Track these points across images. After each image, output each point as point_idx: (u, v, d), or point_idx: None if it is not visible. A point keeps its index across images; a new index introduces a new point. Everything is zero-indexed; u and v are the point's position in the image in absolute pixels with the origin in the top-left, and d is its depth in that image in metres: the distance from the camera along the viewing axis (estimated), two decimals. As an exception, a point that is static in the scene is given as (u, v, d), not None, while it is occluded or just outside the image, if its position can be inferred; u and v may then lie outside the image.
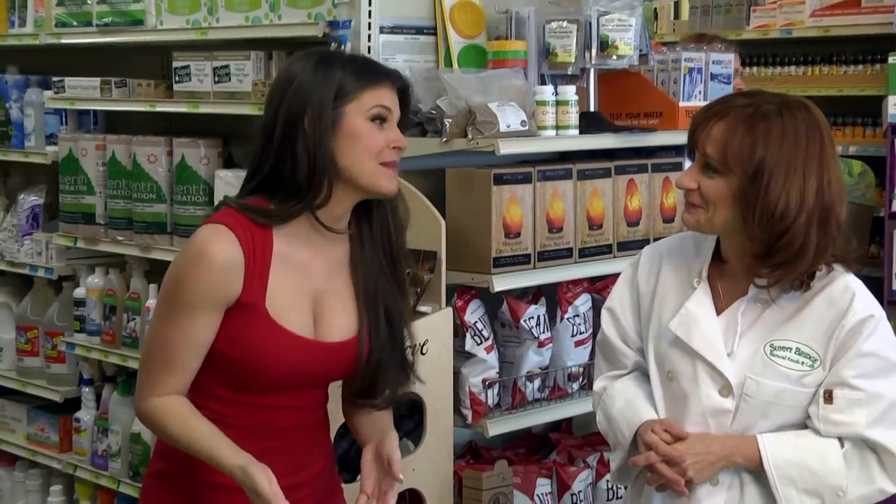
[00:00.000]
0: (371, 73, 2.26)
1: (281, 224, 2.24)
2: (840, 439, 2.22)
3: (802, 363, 2.23)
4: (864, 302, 2.24)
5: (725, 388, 2.25)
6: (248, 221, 2.22)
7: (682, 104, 3.40)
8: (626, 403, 2.39)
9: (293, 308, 2.25)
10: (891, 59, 4.44)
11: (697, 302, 2.30)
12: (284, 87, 2.24)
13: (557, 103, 3.15)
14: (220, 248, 2.19)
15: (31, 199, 4.36)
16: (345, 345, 2.30)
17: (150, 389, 2.25)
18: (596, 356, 2.56)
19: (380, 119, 2.23)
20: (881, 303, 4.26)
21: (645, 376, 2.43)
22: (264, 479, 2.11)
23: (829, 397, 2.21)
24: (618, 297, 2.47)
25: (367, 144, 2.21)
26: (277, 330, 2.23)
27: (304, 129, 2.19)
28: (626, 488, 2.55)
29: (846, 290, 2.24)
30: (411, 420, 3.03)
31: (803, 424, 2.26)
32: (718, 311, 2.30)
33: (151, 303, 3.74)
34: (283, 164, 2.21)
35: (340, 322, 2.31)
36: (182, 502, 2.33)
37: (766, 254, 2.19)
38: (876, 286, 4.48)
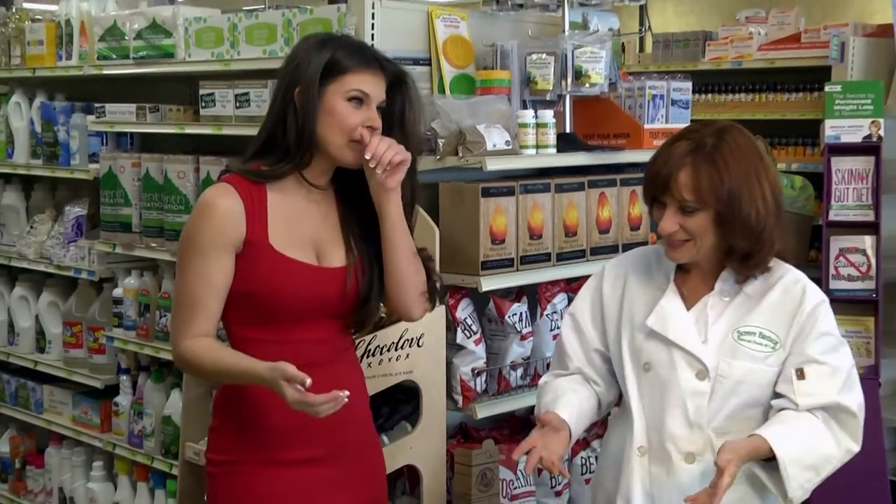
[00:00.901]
0: (356, 59, 2.27)
1: (273, 181, 2.28)
2: (812, 414, 2.20)
3: (765, 345, 2.23)
4: (814, 290, 2.28)
5: (702, 373, 2.24)
6: (245, 180, 2.26)
7: (646, 126, 3.40)
8: (553, 398, 2.36)
9: (294, 244, 2.27)
10: (827, 88, 4.43)
11: (669, 300, 2.30)
12: (288, 65, 2.29)
13: (537, 125, 3.13)
14: (222, 199, 2.23)
15: (75, 211, 4.34)
16: (340, 270, 2.32)
17: (182, 333, 2.25)
18: (553, 353, 2.54)
19: (357, 100, 2.24)
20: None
21: (585, 381, 2.41)
22: (290, 366, 2.08)
23: (801, 374, 2.21)
24: (581, 305, 2.45)
25: (341, 122, 2.24)
26: (283, 259, 2.24)
27: (295, 102, 2.23)
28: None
29: (797, 281, 2.27)
30: (409, 405, 3.00)
31: (765, 400, 2.25)
32: (687, 308, 2.29)
33: (181, 301, 3.71)
34: (277, 130, 2.26)
35: (336, 253, 2.33)
36: (240, 446, 2.30)
37: (745, 257, 2.22)
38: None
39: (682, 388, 2.25)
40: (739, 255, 2.21)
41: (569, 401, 2.34)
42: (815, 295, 2.27)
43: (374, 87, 2.26)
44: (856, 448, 2.24)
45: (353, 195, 2.37)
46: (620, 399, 2.43)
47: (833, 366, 2.22)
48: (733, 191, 2.17)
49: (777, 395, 2.25)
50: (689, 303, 2.29)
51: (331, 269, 2.31)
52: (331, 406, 2.07)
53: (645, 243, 3.30)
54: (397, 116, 2.32)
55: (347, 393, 2.08)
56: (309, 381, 2.04)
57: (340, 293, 2.31)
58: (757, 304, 2.26)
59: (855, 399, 2.24)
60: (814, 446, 2.19)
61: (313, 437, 2.27)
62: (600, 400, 2.42)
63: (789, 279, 2.28)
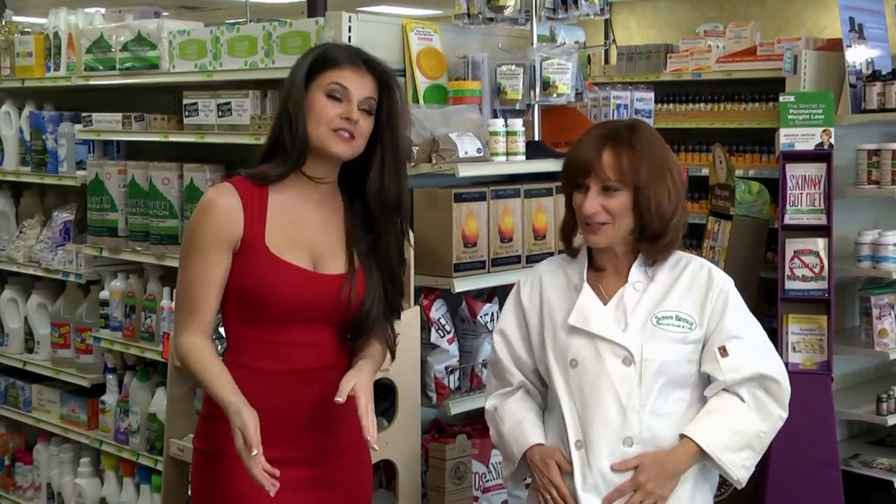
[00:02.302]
0: (338, 54, 2.25)
1: (275, 183, 2.25)
2: (740, 397, 2.24)
3: (682, 326, 2.27)
4: (720, 273, 2.33)
5: (627, 359, 2.25)
6: (248, 182, 2.24)
7: (611, 135, 3.38)
8: (514, 425, 2.37)
9: (291, 247, 2.23)
10: (781, 99, 4.44)
11: (586, 298, 2.31)
12: (287, 77, 2.29)
13: (507, 133, 3.12)
14: (220, 197, 2.22)
15: (63, 216, 4.30)
16: (337, 277, 2.27)
17: (181, 328, 2.23)
18: (486, 375, 2.51)
19: (335, 95, 2.21)
20: (775, 300, 4.31)
21: (528, 394, 2.41)
22: (251, 422, 2.06)
23: (724, 351, 2.25)
24: (507, 320, 2.44)
25: (319, 115, 2.21)
26: (277, 262, 2.21)
27: (288, 106, 2.23)
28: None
29: (702, 266, 2.33)
30: (385, 401, 2.98)
31: (691, 379, 2.28)
32: (604, 304, 2.31)
33: (165, 303, 3.68)
34: (280, 135, 2.25)
35: (335, 261, 2.28)
36: (224, 438, 2.23)
37: (654, 239, 2.26)
38: (771, 285, 4.48)
39: (611, 377, 2.25)
40: (650, 235, 2.26)
41: (532, 422, 2.36)
42: (722, 277, 2.32)
43: (354, 82, 2.22)
44: (784, 414, 2.29)
45: (359, 197, 2.31)
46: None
47: (751, 339, 2.28)
48: (650, 174, 2.22)
49: (708, 381, 2.29)
50: (604, 299, 2.32)
51: (325, 276, 2.25)
52: (263, 484, 2.05)
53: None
54: (385, 121, 2.27)
55: (277, 486, 2.06)
56: (257, 452, 2.05)
57: (334, 300, 2.25)
58: (669, 290, 2.30)
59: (776, 367, 2.29)
60: (740, 428, 2.24)
61: (294, 441, 2.23)
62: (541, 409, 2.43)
63: (694, 266, 2.33)
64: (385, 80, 2.27)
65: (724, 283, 2.30)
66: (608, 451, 2.25)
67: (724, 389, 2.26)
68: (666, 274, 2.31)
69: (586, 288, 2.32)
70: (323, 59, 2.23)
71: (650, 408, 2.25)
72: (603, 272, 2.34)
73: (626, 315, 2.28)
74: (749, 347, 2.27)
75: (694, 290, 2.29)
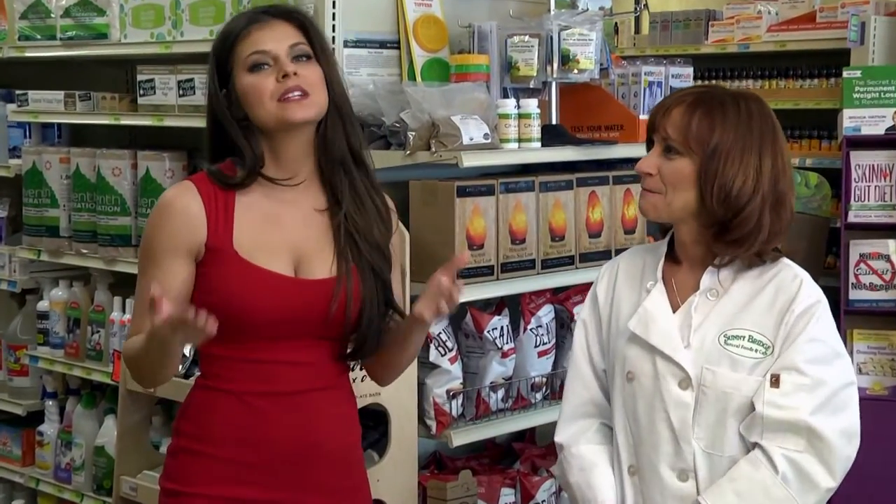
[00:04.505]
0: (240, 20, 2.29)
1: (241, 188, 2.29)
2: (773, 464, 2.20)
3: (756, 350, 2.25)
4: (812, 289, 2.29)
5: (685, 381, 2.27)
6: (210, 182, 2.28)
7: (642, 117, 3.41)
8: (582, 474, 2.39)
9: (265, 250, 2.25)
10: (845, 74, 4.48)
11: (654, 300, 2.33)
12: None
13: (520, 116, 3.16)
14: (178, 197, 2.27)
15: (-7, 213, 4.34)
16: (325, 282, 2.27)
17: (134, 333, 2.26)
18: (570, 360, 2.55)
19: (257, 64, 2.24)
20: (837, 312, 4.34)
21: (605, 427, 2.42)
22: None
23: (776, 381, 2.22)
24: (586, 312, 2.49)
25: (257, 94, 2.23)
26: (249, 267, 2.23)
27: (218, 118, 2.29)
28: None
29: (795, 278, 2.29)
30: (376, 431, 3.02)
31: None
32: (674, 309, 2.32)
33: (116, 315, 3.72)
34: (224, 134, 2.29)
35: (321, 263, 2.28)
36: (193, 476, 2.28)
37: (721, 231, 2.25)
38: (833, 295, 4.51)
39: (665, 399, 2.28)
40: (716, 224, 2.25)
41: (603, 473, 2.37)
42: (811, 294, 2.27)
43: (268, 38, 2.25)
44: (834, 484, 2.23)
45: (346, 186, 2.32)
46: None
47: (816, 379, 2.21)
48: (721, 147, 2.22)
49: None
50: (678, 302, 2.33)
51: (311, 282, 2.26)
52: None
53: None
54: (323, 63, 2.29)
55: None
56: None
57: (324, 310, 2.25)
58: (749, 303, 2.28)
59: (835, 424, 2.22)
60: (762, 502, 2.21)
61: (275, 477, 2.26)
62: None
63: (787, 275, 2.29)
64: (299, 18, 2.30)
65: (811, 302, 2.25)
66: (661, 483, 2.29)
67: (759, 447, 2.22)
68: (747, 283, 2.29)
69: (657, 288, 2.34)
70: (223, 42, 2.28)
71: (706, 442, 2.27)
72: (680, 266, 2.36)
73: (691, 329, 2.29)
74: (808, 389, 2.20)
75: (776, 307, 2.25)
